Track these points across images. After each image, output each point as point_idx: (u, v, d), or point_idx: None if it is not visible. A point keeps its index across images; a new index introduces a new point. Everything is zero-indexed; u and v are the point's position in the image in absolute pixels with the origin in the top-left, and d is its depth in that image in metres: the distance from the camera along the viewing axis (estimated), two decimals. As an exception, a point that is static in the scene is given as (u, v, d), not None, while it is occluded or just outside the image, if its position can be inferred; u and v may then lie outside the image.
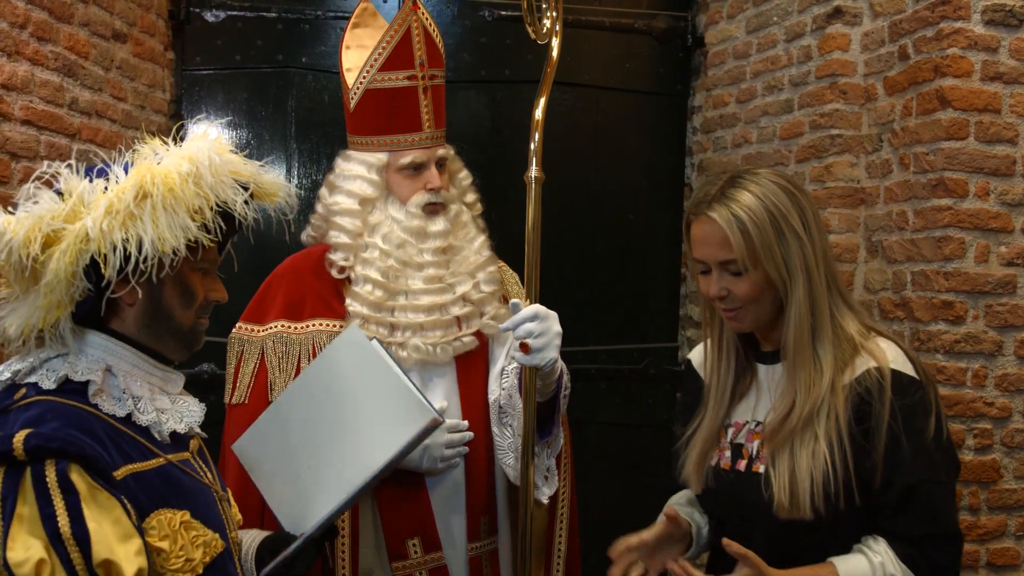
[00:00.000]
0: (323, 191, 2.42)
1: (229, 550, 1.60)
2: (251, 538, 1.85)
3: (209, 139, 1.57)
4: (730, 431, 1.93)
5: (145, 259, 1.44)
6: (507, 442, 2.34)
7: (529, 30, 2.34)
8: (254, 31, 3.64)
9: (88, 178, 1.49)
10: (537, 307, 2.09)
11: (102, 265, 1.44)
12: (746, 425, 1.92)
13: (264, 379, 2.26)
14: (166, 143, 1.58)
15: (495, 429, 2.36)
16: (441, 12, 3.72)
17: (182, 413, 1.61)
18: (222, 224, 1.54)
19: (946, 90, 2.70)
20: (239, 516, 1.77)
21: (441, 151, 2.35)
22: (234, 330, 2.35)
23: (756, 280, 1.79)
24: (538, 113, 2.20)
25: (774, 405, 1.85)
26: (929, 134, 2.76)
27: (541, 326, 2.07)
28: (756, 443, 1.89)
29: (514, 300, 2.12)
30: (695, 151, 3.98)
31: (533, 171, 2.16)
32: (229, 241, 1.72)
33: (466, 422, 2.27)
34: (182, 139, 1.60)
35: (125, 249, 1.43)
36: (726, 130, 3.74)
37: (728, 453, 1.91)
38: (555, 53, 2.30)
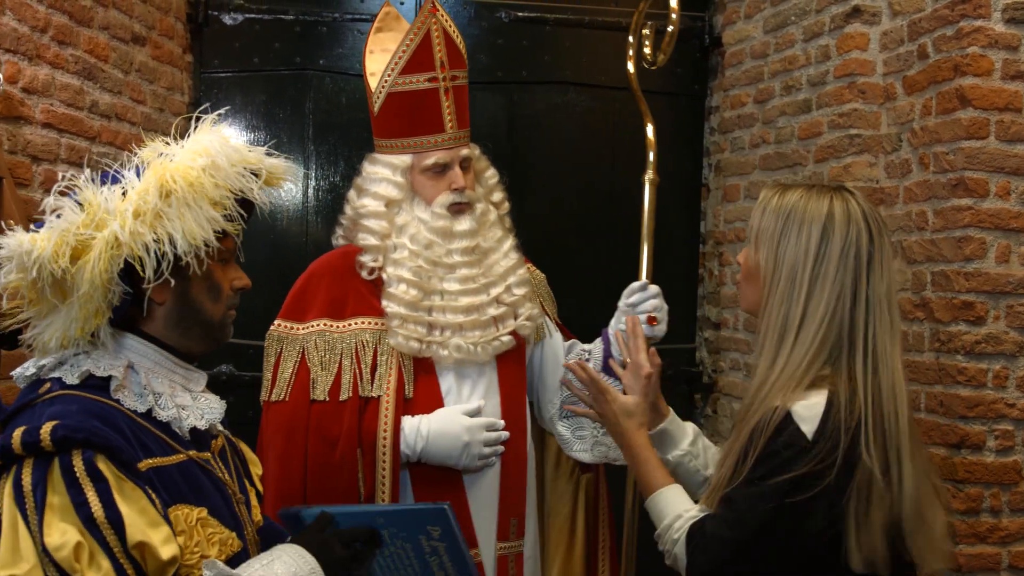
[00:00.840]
0: (351, 194, 2.44)
1: (246, 550, 1.61)
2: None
3: (215, 130, 1.60)
4: None
5: (177, 256, 1.47)
6: (574, 431, 2.48)
7: (643, 53, 2.80)
8: (272, 34, 3.66)
9: (104, 185, 1.51)
10: (658, 287, 2.39)
11: (138, 268, 1.46)
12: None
13: (305, 377, 2.28)
14: (168, 142, 1.59)
15: (558, 425, 2.49)
16: (458, 13, 3.72)
17: (203, 410, 1.62)
18: (243, 212, 1.57)
19: (966, 89, 2.68)
20: (259, 518, 1.77)
21: (465, 151, 2.37)
22: (272, 327, 2.38)
23: (752, 258, 1.88)
24: (649, 131, 2.71)
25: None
26: (949, 133, 2.74)
27: (664, 303, 2.39)
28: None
29: (641, 280, 2.40)
30: (712, 152, 3.96)
31: (649, 174, 2.62)
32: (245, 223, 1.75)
33: (502, 422, 2.32)
34: (187, 135, 1.62)
35: (157, 249, 1.46)
36: (744, 130, 3.73)
37: None
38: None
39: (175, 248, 1.46)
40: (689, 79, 3.98)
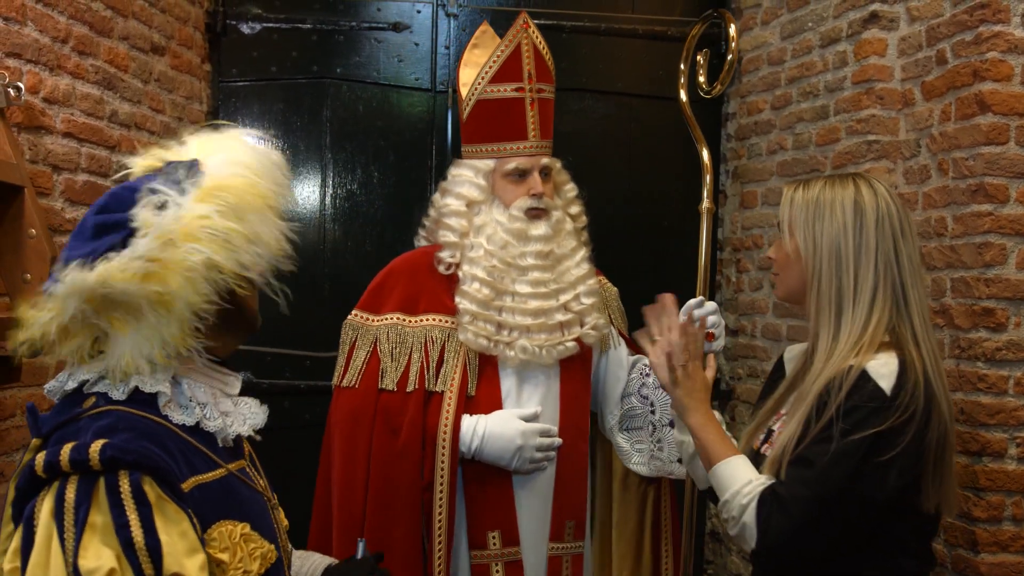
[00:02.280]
0: (435, 196, 2.57)
1: (281, 560, 1.61)
2: (314, 564, 1.86)
3: (252, 144, 1.64)
4: (772, 417, 2.03)
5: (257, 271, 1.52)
6: (633, 444, 2.54)
7: (697, 80, 2.84)
8: (289, 42, 3.68)
9: (153, 206, 1.48)
10: (715, 303, 2.42)
11: (236, 288, 1.49)
12: (784, 415, 2.00)
13: (375, 366, 2.39)
14: (167, 147, 1.62)
15: (618, 437, 2.55)
16: (474, 22, 3.73)
17: (245, 415, 1.63)
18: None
19: (985, 94, 2.66)
20: (286, 522, 1.78)
21: (545, 160, 2.48)
22: (349, 317, 2.49)
23: (788, 247, 1.98)
24: (705, 155, 2.67)
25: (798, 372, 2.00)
26: (968, 139, 2.72)
27: (721, 319, 2.42)
28: (779, 426, 1.98)
29: (699, 297, 2.41)
30: (730, 158, 3.96)
31: (705, 203, 2.66)
32: None
33: (555, 428, 2.40)
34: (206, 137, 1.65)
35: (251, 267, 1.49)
36: (761, 137, 3.72)
37: (762, 435, 2.02)
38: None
39: (263, 262, 1.52)
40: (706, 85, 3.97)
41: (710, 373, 2.06)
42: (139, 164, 1.62)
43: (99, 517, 1.35)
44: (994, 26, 2.66)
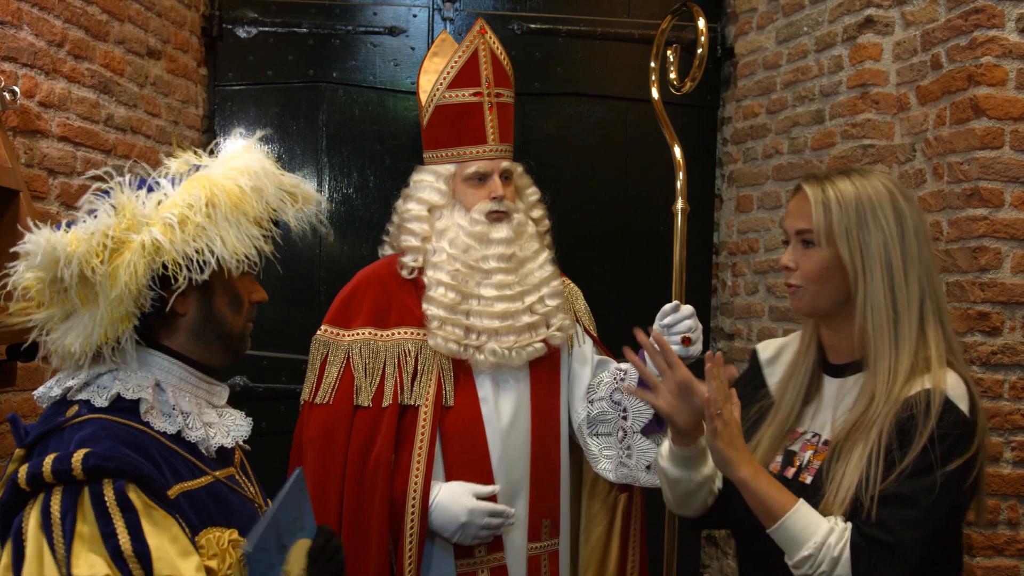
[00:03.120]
0: (398, 202, 2.56)
1: None
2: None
3: (257, 153, 1.64)
4: (790, 436, 1.94)
5: (207, 267, 1.49)
6: (602, 449, 2.51)
7: (668, 78, 2.75)
8: (285, 47, 3.68)
9: (140, 191, 1.53)
10: (691, 307, 2.40)
11: (172, 276, 1.47)
12: (803, 435, 1.93)
13: (349, 382, 2.37)
14: (199, 154, 1.63)
15: (588, 440, 2.52)
16: (470, 26, 3.73)
17: (229, 427, 1.63)
18: (277, 232, 1.61)
19: (980, 99, 2.67)
20: None
21: (506, 164, 2.49)
22: (318, 332, 2.47)
23: (825, 258, 1.84)
24: (678, 153, 2.59)
25: (849, 405, 1.85)
26: (963, 143, 2.73)
27: (697, 323, 2.40)
28: (809, 453, 1.89)
29: (674, 302, 2.41)
30: (725, 162, 3.96)
31: (680, 203, 2.58)
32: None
33: (512, 509, 2.38)
34: (212, 152, 1.66)
35: (198, 259, 1.48)
36: (756, 141, 3.73)
37: (780, 458, 1.92)
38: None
39: (214, 260, 1.49)
40: (702, 90, 3.96)
41: (736, 411, 1.83)
42: (173, 165, 1.65)
43: (86, 527, 1.35)
44: (988, 31, 2.66)
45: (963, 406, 1.74)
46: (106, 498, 1.36)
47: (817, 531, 1.70)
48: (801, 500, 1.74)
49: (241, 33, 3.66)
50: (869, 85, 3.09)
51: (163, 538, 1.38)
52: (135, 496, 1.38)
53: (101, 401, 1.48)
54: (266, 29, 3.67)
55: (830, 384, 1.94)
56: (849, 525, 1.71)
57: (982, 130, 2.67)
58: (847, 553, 1.67)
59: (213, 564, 1.45)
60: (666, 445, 1.99)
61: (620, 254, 3.86)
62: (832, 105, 3.26)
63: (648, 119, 3.95)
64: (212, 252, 1.49)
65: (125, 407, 1.49)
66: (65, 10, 2.69)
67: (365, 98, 3.73)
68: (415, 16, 3.73)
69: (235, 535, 1.50)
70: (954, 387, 1.76)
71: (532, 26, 3.79)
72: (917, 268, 1.81)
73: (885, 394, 1.77)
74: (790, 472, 1.88)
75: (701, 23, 2.61)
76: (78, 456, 1.36)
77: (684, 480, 1.96)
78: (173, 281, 1.48)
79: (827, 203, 1.83)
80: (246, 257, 1.54)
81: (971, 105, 2.69)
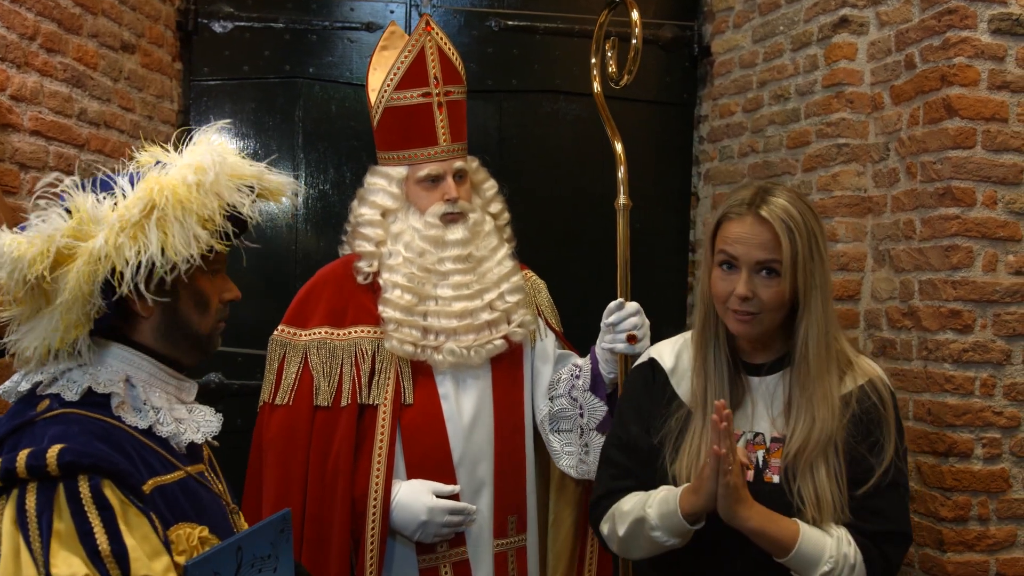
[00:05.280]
0: (353, 204, 2.55)
1: None
2: None
3: (213, 144, 1.57)
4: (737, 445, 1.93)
5: (158, 271, 1.45)
6: (563, 445, 2.51)
7: (607, 72, 2.68)
8: (262, 42, 3.66)
9: (94, 193, 1.49)
10: (637, 304, 2.39)
11: (116, 283, 1.44)
12: (743, 436, 1.94)
13: (308, 382, 2.36)
14: (167, 150, 1.59)
15: (550, 437, 2.52)
16: (447, 23, 3.73)
17: (199, 423, 1.61)
18: (234, 229, 1.55)
19: (953, 99, 2.70)
20: (246, 526, 1.77)
21: (459, 163, 2.46)
22: (275, 333, 2.45)
23: (785, 287, 1.84)
24: (619, 147, 2.51)
25: (791, 421, 1.88)
26: (936, 143, 2.75)
27: (643, 319, 2.39)
28: (761, 453, 1.90)
29: (618, 300, 2.38)
30: (702, 160, 3.98)
31: (622, 199, 2.51)
32: (239, 240, 1.72)
33: (474, 507, 2.38)
34: (186, 145, 1.60)
35: (140, 264, 1.43)
36: (733, 139, 3.74)
37: (750, 471, 1.92)
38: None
39: (157, 263, 1.44)
40: (678, 88, 3.99)
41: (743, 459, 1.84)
42: (140, 160, 1.61)
43: (62, 524, 1.33)
44: (961, 31, 2.69)
45: (890, 384, 1.94)
46: (82, 495, 1.34)
47: (826, 546, 1.77)
48: (798, 522, 1.79)
49: (217, 28, 3.63)
50: (844, 84, 3.11)
51: (137, 536, 1.36)
52: (111, 493, 1.36)
53: (72, 396, 1.46)
54: (242, 24, 3.64)
55: (756, 383, 1.96)
56: (844, 532, 1.79)
57: (955, 130, 2.70)
58: (860, 555, 1.77)
59: (181, 560, 1.43)
60: (660, 510, 1.87)
61: (595, 250, 3.86)
62: (807, 104, 3.28)
63: (624, 117, 3.96)
64: (154, 255, 1.44)
65: (96, 401, 1.47)
66: (37, 3, 2.66)
67: (342, 94, 3.72)
68: (392, 12, 3.72)
69: (206, 532, 1.50)
70: (879, 371, 1.95)
71: (510, 23, 3.78)
72: (829, 279, 1.89)
73: (830, 411, 1.84)
74: (749, 475, 1.89)
75: (635, 15, 2.60)
76: (52, 452, 1.34)
77: (670, 543, 1.88)
78: (117, 287, 1.44)
79: (791, 232, 1.81)
80: (203, 254, 1.49)
81: (944, 105, 2.72)
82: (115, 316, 1.50)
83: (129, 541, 1.34)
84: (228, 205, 1.53)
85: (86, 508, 1.34)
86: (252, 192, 1.58)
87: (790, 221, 1.82)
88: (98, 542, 1.32)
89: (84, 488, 1.35)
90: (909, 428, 2.79)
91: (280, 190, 1.66)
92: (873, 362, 1.98)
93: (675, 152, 4.00)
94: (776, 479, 1.86)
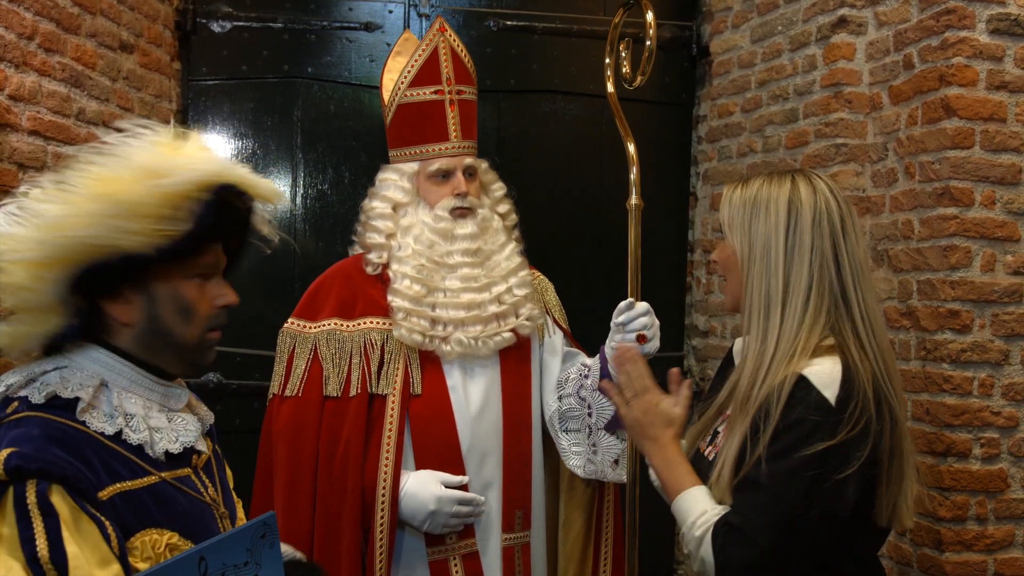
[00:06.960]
0: (365, 201, 2.58)
1: None
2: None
3: (149, 141, 1.54)
4: (720, 419, 1.97)
5: (131, 271, 1.44)
6: (571, 445, 2.52)
7: (621, 72, 2.67)
8: (260, 42, 3.66)
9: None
10: (647, 304, 2.36)
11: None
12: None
13: (318, 373, 2.39)
14: (100, 149, 1.55)
15: (559, 436, 2.53)
16: (447, 22, 3.72)
17: (178, 432, 1.56)
18: (192, 226, 1.46)
19: (951, 99, 2.70)
20: None
21: (469, 160, 2.51)
22: (285, 325, 2.49)
23: (729, 249, 1.91)
24: (631, 148, 2.50)
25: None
26: (934, 143, 2.76)
27: (653, 320, 2.37)
28: (723, 429, 1.92)
29: (628, 299, 2.35)
30: (700, 160, 3.98)
31: (634, 199, 2.46)
32: (243, 247, 1.70)
33: (483, 498, 2.40)
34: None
35: (101, 264, 1.41)
36: (731, 139, 3.75)
37: (709, 437, 1.97)
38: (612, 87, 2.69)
39: (110, 262, 1.41)
40: (677, 88, 3.99)
41: (681, 405, 1.94)
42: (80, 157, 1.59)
43: (6, 529, 1.31)
44: (960, 32, 2.69)
45: (828, 393, 1.70)
46: (28, 501, 1.32)
47: (691, 513, 1.78)
48: (695, 486, 1.82)
49: (215, 27, 3.63)
50: (842, 84, 3.12)
51: (84, 546, 1.34)
52: (59, 499, 1.34)
53: (38, 398, 1.44)
54: (241, 24, 3.64)
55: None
56: (720, 509, 1.76)
57: (953, 130, 2.70)
58: (708, 536, 1.73)
59: (144, 567, 1.40)
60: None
61: (594, 251, 3.86)
62: (806, 104, 3.29)
63: (624, 117, 3.96)
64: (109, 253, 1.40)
65: (63, 404, 1.45)
66: (35, 3, 2.66)
67: (340, 94, 3.72)
68: (391, 12, 3.72)
69: (175, 538, 1.46)
70: (824, 373, 1.73)
71: (508, 23, 3.79)
72: (808, 259, 1.80)
73: (752, 377, 1.80)
74: (711, 452, 1.91)
75: (649, 16, 2.59)
76: (1, 456, 1.33)
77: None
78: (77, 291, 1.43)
79: (732, 198, 1.92)
80: (187, 258, 1.47)
81: (942, 105, 2.72)
82: (90, 321, 1.48)
83: (71, 548, 1.31)
84: (182, 207, 1.45)
85: (31, 513, 1.31)
86: (240, 193, 1.55)
87: (738, 192, 1.92)
88: (38, 548, 1.30)
89: (31, 494, 1.32)
90: (909, 428, 2.78)
91: (261, 191, 1.62)
92: (841, 367, 1.75)
93: (674, 152, 4.00)
94: (713, 455, 1.88)
